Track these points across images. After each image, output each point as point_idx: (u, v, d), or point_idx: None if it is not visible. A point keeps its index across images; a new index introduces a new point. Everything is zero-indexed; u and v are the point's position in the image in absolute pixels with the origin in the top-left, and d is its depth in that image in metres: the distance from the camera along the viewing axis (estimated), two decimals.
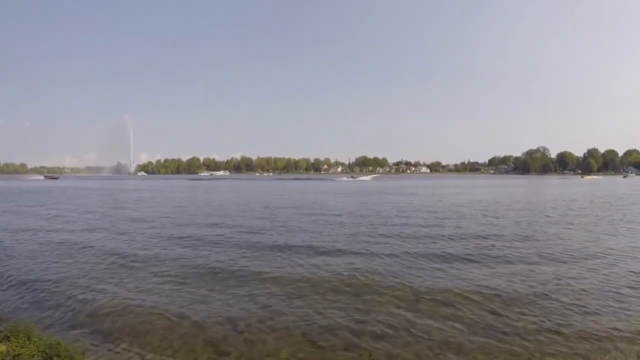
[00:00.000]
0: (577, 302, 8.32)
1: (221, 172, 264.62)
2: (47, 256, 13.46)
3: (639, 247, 14.29)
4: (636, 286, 9.45)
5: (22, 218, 24.21)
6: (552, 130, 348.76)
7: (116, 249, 14.42)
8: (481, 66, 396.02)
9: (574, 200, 38.09)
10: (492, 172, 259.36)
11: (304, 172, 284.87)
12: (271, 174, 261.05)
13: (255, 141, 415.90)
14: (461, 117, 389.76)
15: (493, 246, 14.36)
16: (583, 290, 9.17)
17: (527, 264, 11.82)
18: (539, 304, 8.24)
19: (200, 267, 11.61)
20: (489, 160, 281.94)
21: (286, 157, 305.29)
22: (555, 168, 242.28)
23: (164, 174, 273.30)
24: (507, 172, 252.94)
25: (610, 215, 24.66)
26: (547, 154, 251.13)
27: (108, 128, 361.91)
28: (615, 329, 6.99)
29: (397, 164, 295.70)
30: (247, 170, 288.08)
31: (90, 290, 9.56)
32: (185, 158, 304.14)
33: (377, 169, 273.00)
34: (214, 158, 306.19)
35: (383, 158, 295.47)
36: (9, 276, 10.94)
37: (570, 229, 18.71)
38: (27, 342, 5.60)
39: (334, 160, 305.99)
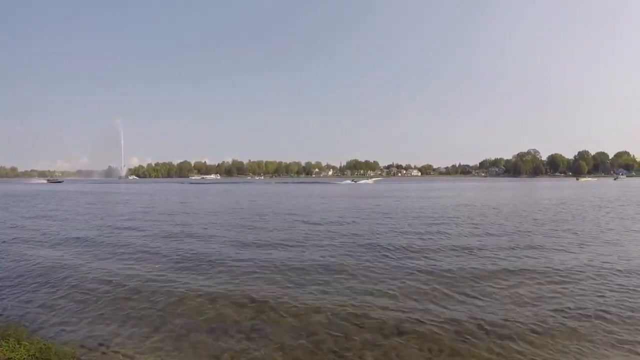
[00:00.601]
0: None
1: (212, 176, 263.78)
2: (40, 259, 13.30)
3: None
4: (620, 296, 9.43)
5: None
6: (542, 132, 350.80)
7: (110, 253, 14.32)
8: (476, 68, 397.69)
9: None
10: (483, 174, 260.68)
11: (295, 175, 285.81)
12: (262, 177, 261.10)
13: (246, 145, 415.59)
14: (452, 120, 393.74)
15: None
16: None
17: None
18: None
19: (194, 274, 11.50)
20: (480, 163, 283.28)
21: (277, 160, 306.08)
22: (546, 170, 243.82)
23: (155, 177, 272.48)
24: (498, 174, 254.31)
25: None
26: (538, 156, 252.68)
27: (99, 132, 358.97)
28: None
29: (389, 167, 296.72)
30: (238, 173, 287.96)
31: (82, 294, 9.45)
32: (176, 162, 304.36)
33: (369, 172, 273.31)
34: (205, 162, 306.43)
35: (374, 161, 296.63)
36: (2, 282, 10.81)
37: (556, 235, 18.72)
38: (17, 346, 5.51)
39: (325, 164, 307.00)
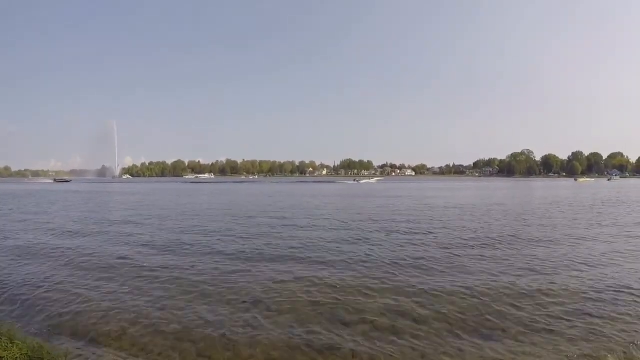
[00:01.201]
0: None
1: (206, 175, 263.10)
2: (32, 259, 13.25)
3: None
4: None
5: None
6: (537, 133, 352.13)
7: (103, 253, 14.24)
8: (475, 68, 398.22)
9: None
10: (477, 175, 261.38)
11: (290, 175, 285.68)
12: (257, 176, 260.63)
13: (239, 144, 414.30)
14: (448, 120, 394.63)
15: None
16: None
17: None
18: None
19: (186, 273, 11.44)
20: (473, 163, 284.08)
21: (271, 160, 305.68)
22: (540, 171, 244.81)
23: (149, 177, 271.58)
24: (491, 174, 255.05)
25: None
26: (532, 156, 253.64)
27: (92, 132, 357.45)
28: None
29: (383, 167, 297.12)
30: (232, 173, 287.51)
31: (74, 294, 9.41)
32: (170, 161, 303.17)
33: (363, 172, 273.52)
34: (199, 161, 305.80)
35: (368, 161, 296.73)
36: None
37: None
38: (10, 345, 5.48)
39: (319, 163, 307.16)
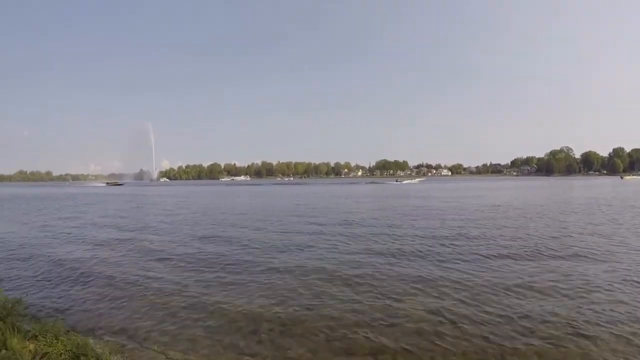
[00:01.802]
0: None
1: (242, 177, 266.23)
2: (80, 257, 13.63)
3: None
4: None
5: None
6: (576, 129, 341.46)
7: (150, 251, 14.73)
8: (510, 68, 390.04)
9: None
10: (514, 173, 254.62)
11: (325, 176, 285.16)
12: (292, 178, 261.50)
13: (274, 147, 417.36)
14: (485, 119, 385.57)
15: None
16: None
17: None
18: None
19: (233, 271, 11.59)
20: (511, 162, 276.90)
21: (306, 161, 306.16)
22: (579, 169, 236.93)
23: (185, 179, 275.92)
24: (529, 173, 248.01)
25: None
26: (571, 154, 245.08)
27: (129, 136, 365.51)
28: None
29: (418, 167, 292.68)
30: (267, 175, 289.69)
31: (119, 292, 9.65)
32: (206, 164, 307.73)
33: (398, 172, 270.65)
34: (234, 163, 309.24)
35: (404, 161, 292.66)
36: (38, 279, 11.11)
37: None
38: (55, 341, 5.64)
39: (354, 164, 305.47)
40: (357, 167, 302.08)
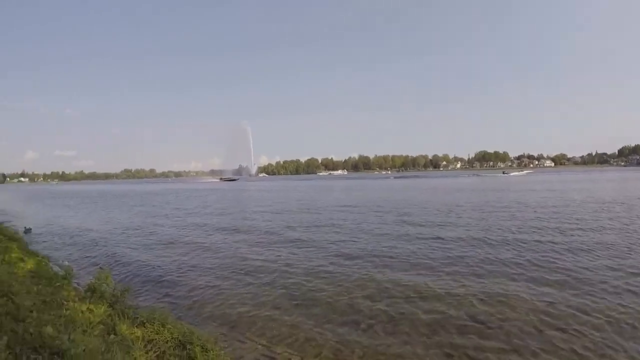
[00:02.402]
0: None
1: (339, 172, 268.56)
2: (184, 252, 14.09)
3: None
4: None
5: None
6: None
7: (255, 243, 15.24)
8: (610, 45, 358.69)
9: None
10: (622, 164, 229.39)
11: (423, 169, 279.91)
12: (389, 172, 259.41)
13: (371, 140, 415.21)
14: (585, 103, 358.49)
15: None
16: None
17: None
18: None
19: (337, 262, 11.40)
20: (618, 151, 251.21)
21: (403, 154, 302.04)
22: None
23: (283, 174, 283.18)
24: (639, 163, 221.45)
25: None
26: None
27: (228, 133, 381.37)
28: None
29: (519, 157, 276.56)
30: (364, 169, 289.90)
31: (223, 283, 9.78)
32: (303, 159, 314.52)
33: (499, 163, 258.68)
34: (331, 158, 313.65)
35: (504, 152, 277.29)
36: (148, 270, 11.58)
37: None
38: (162, 328, 5.78)
39: (453, 156, 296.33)
40: (456, 159, 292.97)
